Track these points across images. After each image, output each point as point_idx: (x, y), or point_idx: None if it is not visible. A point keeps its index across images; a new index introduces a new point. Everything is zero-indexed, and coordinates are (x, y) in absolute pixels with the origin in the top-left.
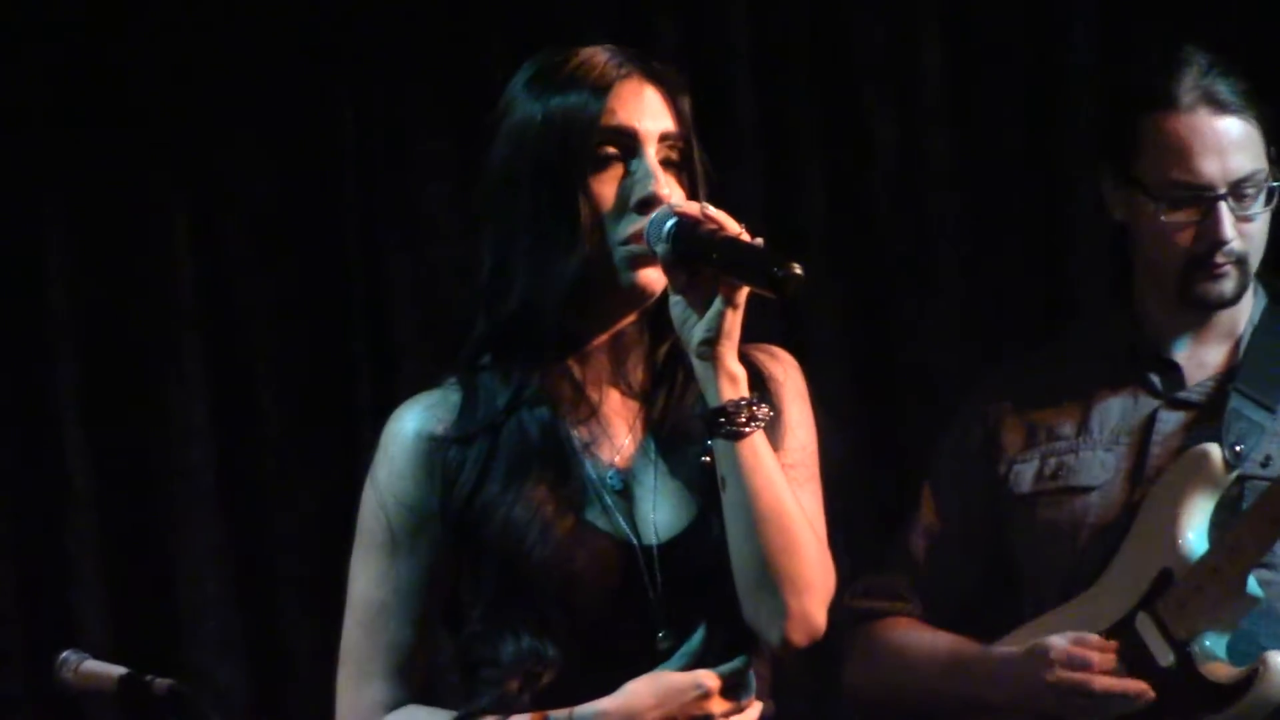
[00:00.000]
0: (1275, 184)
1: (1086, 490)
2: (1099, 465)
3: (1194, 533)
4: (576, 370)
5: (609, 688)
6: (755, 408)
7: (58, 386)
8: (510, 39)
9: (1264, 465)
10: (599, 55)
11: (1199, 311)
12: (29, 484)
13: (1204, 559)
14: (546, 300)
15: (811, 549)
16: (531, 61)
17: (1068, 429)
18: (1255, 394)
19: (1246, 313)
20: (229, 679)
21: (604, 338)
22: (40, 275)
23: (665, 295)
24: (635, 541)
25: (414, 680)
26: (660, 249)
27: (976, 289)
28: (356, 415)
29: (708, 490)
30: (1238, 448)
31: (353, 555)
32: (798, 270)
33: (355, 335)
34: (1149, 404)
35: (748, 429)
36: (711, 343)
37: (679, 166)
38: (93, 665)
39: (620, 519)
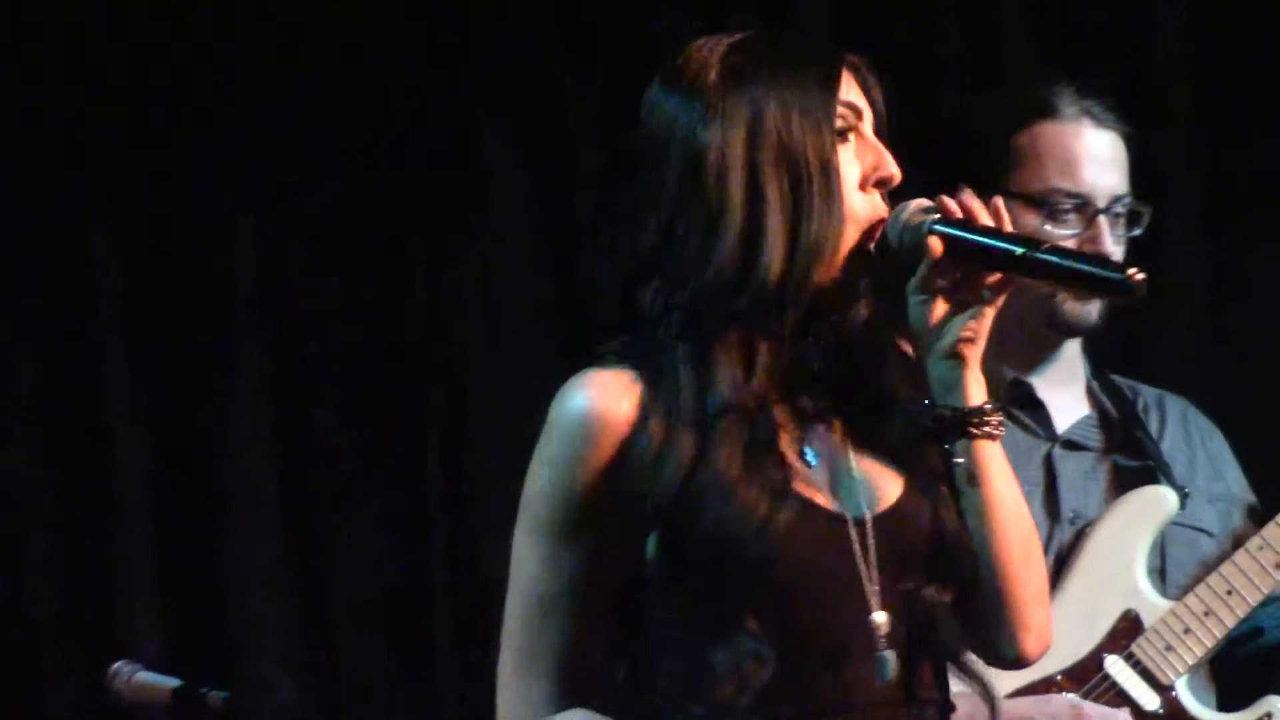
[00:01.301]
0: (1142, 209)
1: None
2: None
3: (1144, 574)
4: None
5: (823, 680)
6: (999, 412)
7: (111, 394)
8: (576, 44)
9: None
10: (797, 35)
11: (1061, 337)
12: (83, 493)
13: (1190, 602)
14: (802, 273)
15: (1042, 558)
16: (704, 44)
17: None
18: (1154, 442)
19: (1081, 363)
20: (285, 694)
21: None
22: (94, 278)
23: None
24: (847, 517)
25: (581, 679)
26: (924, 242)
27: None
28: (420, 425)
29: (913, 467)
30: (1185, 490)
31: (517, 535)
32: (1141, 276)
33: (420, 343)
34: (1036, 444)
35: (999, 432)
36: (971, 343)
37: None
38: (146, 677)
39: (829, 499)
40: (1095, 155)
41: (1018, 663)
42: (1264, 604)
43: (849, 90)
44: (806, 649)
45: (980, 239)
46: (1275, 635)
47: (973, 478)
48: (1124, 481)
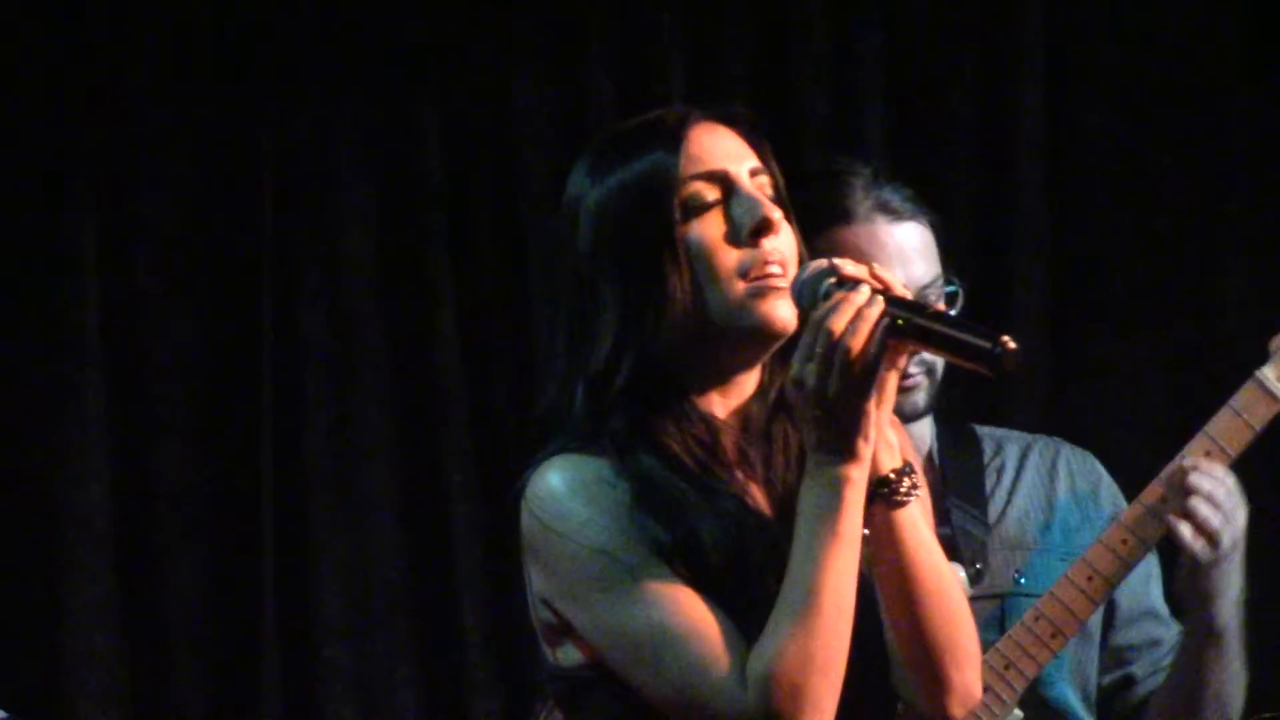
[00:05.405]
0: (953, 288)
1: None
2: None
3: None
4: (725, 450)
5: None
6: (912, 475)
7: None
8: (436, 80)
9: (1016, 579)
10: (662, 110)
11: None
12: None
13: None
14: (655, 363)
15: (966, 617)
16: (588, 147)
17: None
18: (971, 510)
19: (929, 427)
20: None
21: (731, 406)
22: None
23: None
24: None
25: None
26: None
27: None
28: (259, 465)
29: None
30: (978, 565)
31: (601, 610)
32: (1013, 345)
33: (263, 383)
34: None
35: (910, 498)
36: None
37: (775, 204)
38: None
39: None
40: (893, 252)
41: (943, 719)
42: (1136, 650)
43: (711, 154)
44: None
45: None
46: (1149, 686)
47: (883, 545)
48: None
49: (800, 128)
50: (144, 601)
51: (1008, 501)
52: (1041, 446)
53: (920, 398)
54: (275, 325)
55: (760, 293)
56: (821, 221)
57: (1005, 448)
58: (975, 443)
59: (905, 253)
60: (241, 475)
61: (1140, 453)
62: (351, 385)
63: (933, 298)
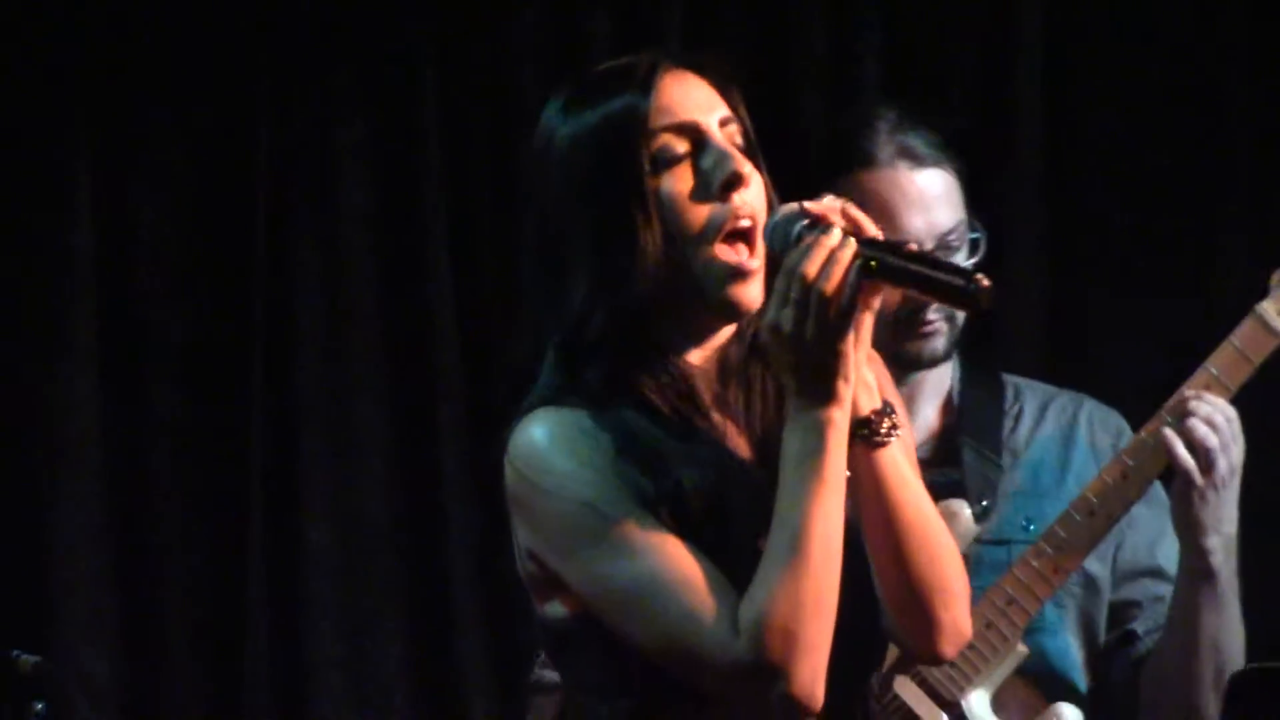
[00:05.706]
0: (976, 235)
1: None
2: None
3: None
4: (702, 398)
5: None
6: (892, 415)
7: None
8: (436, 80)
9: (1025, 526)
10: (634, 57)
11: (910, 369)
12: None
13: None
14: (628, 315)
15: (953, 555)
16: (560, 90)
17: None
18: (985, 450)
19: (951, 369)
20: (96, 663)
21: (706, 352)
22: None
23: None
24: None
25: None
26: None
27: None
28: (257, 464)
29: None
30: (984, 502)
31: (589, 568)
32: (987, 283)
33: (261, 382)
34: None
35: (889, 439)
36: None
37: (745, 154)
38: None
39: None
40: (914, 199)
41: (934, 659)
42: (1139, 607)
43: (681, 104)
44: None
45: None
46: (1150, 642)
47: (866, 486)
48: (935, 495)
49: (800, 127)
50: (140, 601)
51: (1024, 449)
52: (1065, 399)
53: (940, 343)
54: (273, 324)
55: (732, 275)
56: (844, 164)
57: (1026, 396)
58: (998, 388)
59: (926, 199)
60: (239, 474)
61: None
62: (350, 384)
63: (955, 244)
